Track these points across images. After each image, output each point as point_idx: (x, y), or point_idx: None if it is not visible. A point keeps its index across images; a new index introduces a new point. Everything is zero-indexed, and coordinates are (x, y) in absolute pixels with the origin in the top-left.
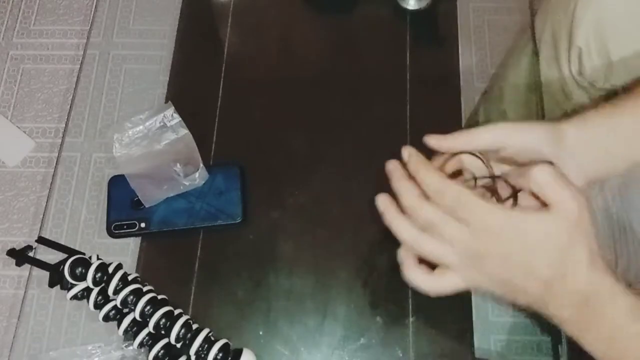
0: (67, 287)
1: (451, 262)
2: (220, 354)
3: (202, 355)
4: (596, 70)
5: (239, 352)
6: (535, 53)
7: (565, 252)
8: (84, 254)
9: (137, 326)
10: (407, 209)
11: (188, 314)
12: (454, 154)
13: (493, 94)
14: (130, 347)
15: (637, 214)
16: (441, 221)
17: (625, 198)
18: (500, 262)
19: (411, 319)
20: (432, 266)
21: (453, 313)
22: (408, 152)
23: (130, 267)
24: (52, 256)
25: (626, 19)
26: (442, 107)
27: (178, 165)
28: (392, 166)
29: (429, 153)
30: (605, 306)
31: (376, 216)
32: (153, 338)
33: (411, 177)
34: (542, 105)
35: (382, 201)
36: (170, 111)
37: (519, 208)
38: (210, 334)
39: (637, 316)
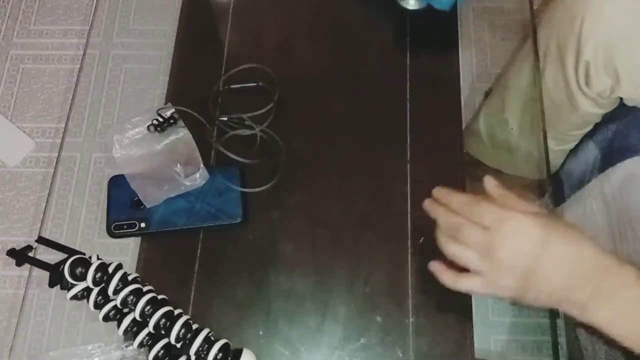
0: (67, 287)
1: (473, 265)
2: (220, 354)
3: (202, 355)
4: (603, 83)
5: (239, 352)
6: (537, 67)
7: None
8: (84, 254)
9: (137, 326)
10: (441, 224)
11: (188, 314)
12: None
13: (494, 102)
14: (130, 347)
15: (637, 214)
16: (463, 225)
17: (625, 198)
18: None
19: (411, 319)
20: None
21: (453, 313)
22: (437, 190)
23: (130, 267)
24: (52, 256)
25: (634, 34)
26: (442, 107)
27: (178, 165)
28: (427, 202)
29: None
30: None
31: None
32: (153, 338)
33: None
34: (543, 116)
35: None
36: (170, 111)
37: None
38: (210, 334)
39: None
